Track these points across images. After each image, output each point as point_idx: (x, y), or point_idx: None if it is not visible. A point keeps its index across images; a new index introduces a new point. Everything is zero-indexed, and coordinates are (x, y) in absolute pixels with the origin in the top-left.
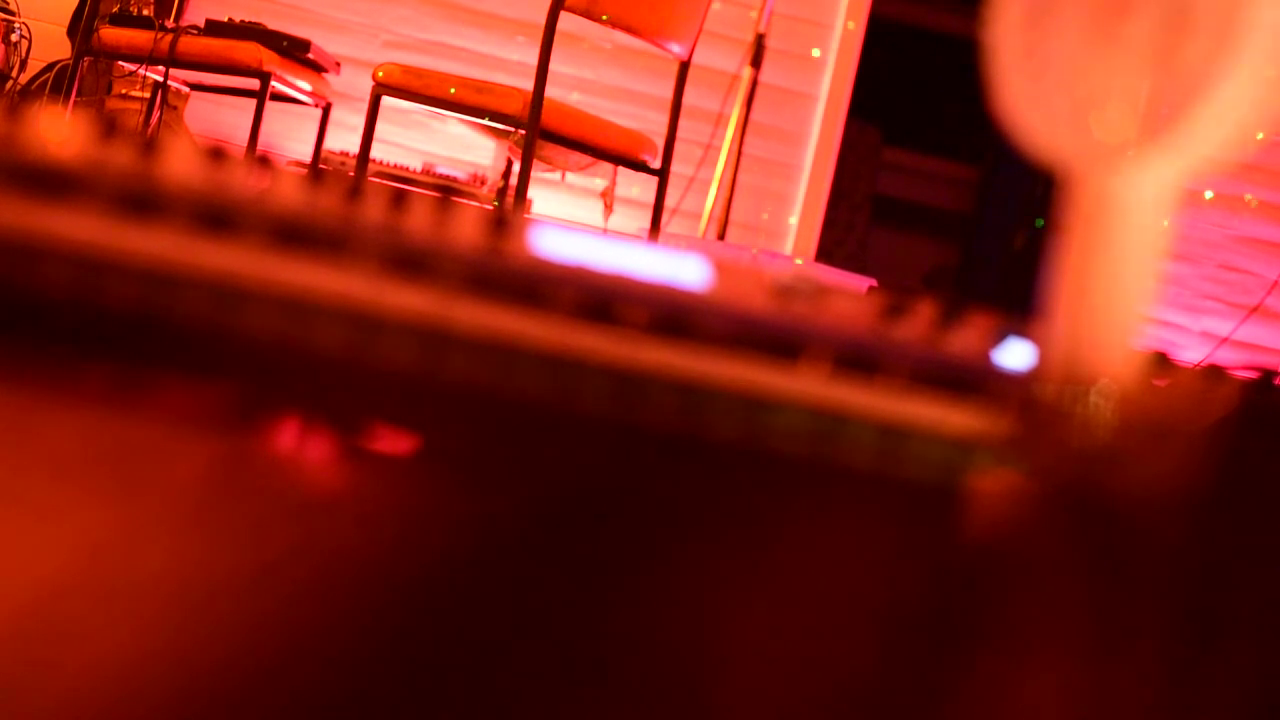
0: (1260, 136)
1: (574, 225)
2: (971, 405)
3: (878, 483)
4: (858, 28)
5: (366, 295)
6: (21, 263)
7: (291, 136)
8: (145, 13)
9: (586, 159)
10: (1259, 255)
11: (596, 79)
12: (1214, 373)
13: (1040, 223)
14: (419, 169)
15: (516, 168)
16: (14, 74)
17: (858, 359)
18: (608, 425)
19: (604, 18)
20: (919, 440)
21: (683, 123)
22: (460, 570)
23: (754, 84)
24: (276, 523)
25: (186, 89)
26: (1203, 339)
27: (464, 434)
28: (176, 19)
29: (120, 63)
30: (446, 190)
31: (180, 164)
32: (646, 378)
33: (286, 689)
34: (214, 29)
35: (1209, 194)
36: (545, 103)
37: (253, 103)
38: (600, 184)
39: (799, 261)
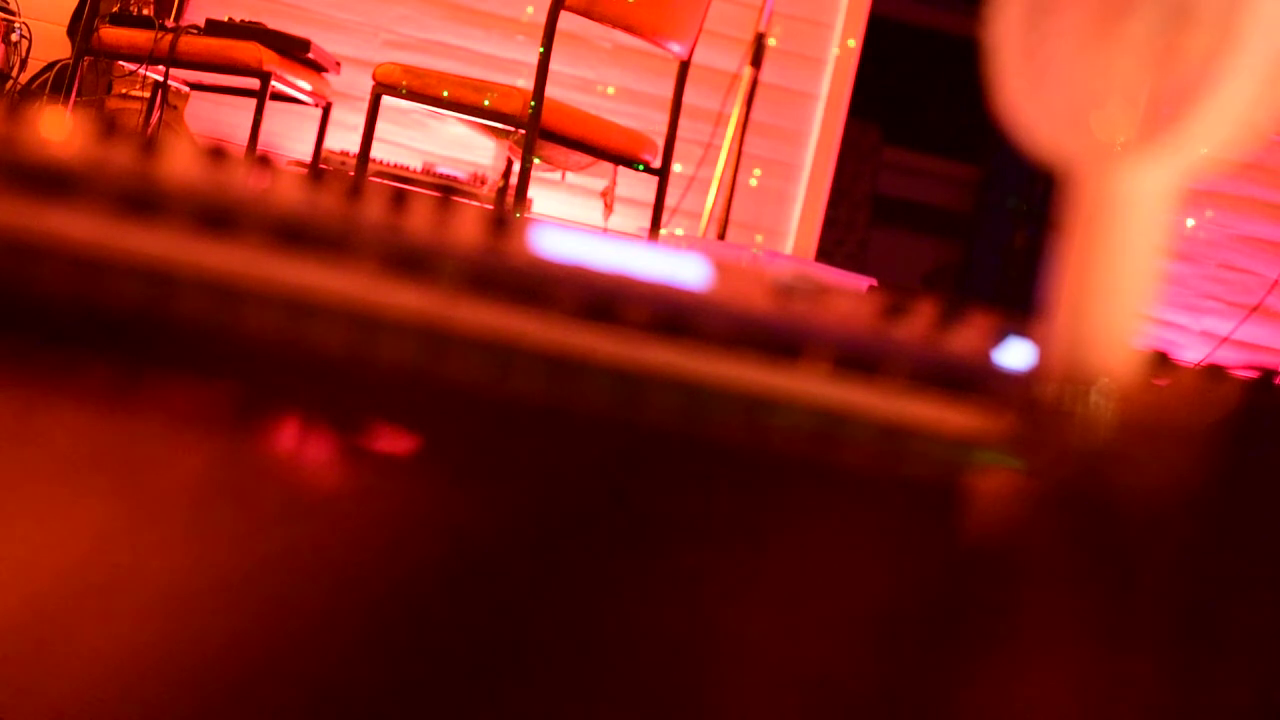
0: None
1: (574, 225)
2: (971, 405)
3: (878, 482)
4: (856, 39)
5: (366, 295)
6: (21, 263)
7: (291, 136)
8: (145, 12)
9: (586, 159)
10: (1259, 255)
11: (596, 79)
12: (1214, 373)
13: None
14: (419, 169)
15: (516, 168)
16: (14, 74)
17: (858, 359)
18: (608, 425)
19: (604, 17)
20: (919, 440)
21: (683, 122)
22: (460, 569)
23: (754, 83)
24: (276, 521)
25: (186, 89)
26: (1203, 339)
27: (464, 434)
28: (176, 19)
29: (120, 62)
30: (446, 190)
31: (180, 164)
32: (647, 378)
33: (286, 685)
34: (214, 29)
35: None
36: (545, 103)
37: (253, 102)
38: (600, 184)
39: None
